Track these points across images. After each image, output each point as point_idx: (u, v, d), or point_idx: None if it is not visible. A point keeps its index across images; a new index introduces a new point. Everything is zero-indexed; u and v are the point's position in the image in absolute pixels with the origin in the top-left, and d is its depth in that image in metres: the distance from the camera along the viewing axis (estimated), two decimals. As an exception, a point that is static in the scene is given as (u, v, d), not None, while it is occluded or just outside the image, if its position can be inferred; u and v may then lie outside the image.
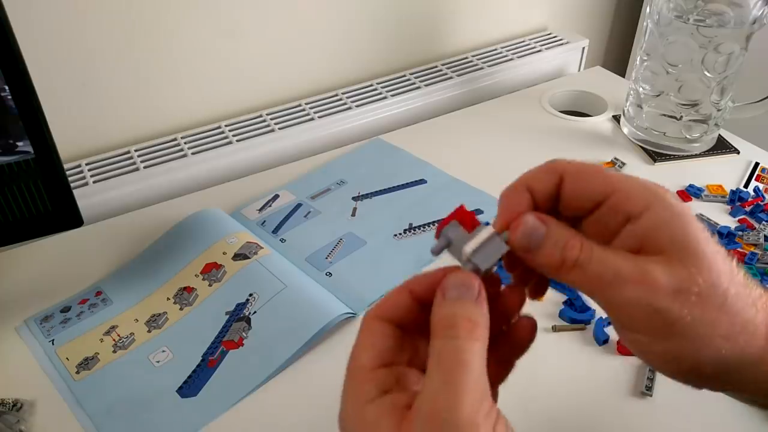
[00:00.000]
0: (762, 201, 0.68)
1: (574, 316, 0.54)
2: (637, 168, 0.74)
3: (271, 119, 0.81)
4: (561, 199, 0.30)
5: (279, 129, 0.79)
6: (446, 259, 0.34)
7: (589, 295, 0.29)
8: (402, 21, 0.89)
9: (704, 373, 0.28)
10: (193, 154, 0.75)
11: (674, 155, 0.76)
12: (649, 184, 0.29)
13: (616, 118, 0.83)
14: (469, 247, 0.29)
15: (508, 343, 0.31)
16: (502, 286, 0.32)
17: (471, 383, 0.25)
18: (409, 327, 0.30)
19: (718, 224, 0.65)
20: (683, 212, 0.28)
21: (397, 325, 0.30)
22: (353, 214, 0.68)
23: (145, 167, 0.73)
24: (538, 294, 0.33)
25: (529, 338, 0.32)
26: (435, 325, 0.27)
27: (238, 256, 0.60)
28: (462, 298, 0.28)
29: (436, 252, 0.31)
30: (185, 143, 0.77)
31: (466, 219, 0.30)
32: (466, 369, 0.25)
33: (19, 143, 0.50)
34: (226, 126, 0.80)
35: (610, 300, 0.28)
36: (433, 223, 0.66)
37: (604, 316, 0.54)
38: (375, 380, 0.28)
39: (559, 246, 0.29)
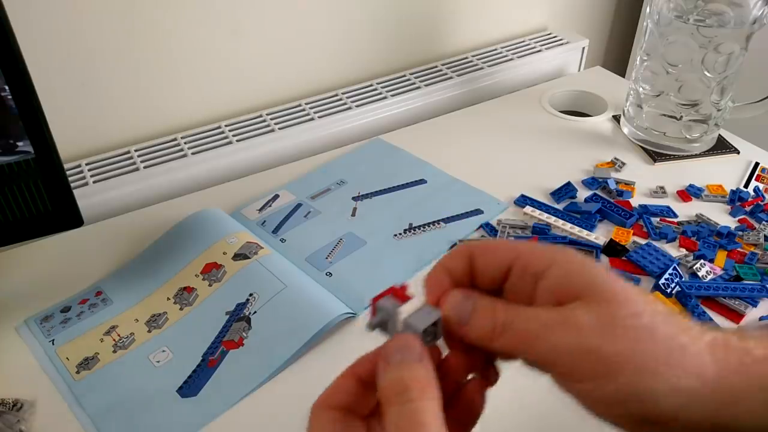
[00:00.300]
0: (762, 201, 0.68)
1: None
2: (638, 168, 0.74)
3: (271, 119, 0.81)
4: (475, 274, 0.32)
5: (279, 129, 0.79)
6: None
7: (526, 357, 0.29)
8: (402, 21, 0.89)
9: (665, 410, 0.27)
10: (193, 154, 0.75)
11: (674, 155, 0.76)
12: (550, 245, 0.31)
13: (616, 118, 0.83)
14: (405, 312, 0.30)
15: (459, 409, 0.31)
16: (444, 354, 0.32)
17: None
18: (359, 412, 0.30)
19: (718, 224, 0.65)
20: (586, 261, 0.29)
21: (346, 411, 0.29)
22: (353, 214, 0.68)
23: (145, 167, 0.73)
24: (490, 380, 0.32)
25: (480, 402, 0.31)
26: (384, 392, 0.27)
27: (238, 256, 0.60)
28: (405, 360, 0.27)
29: (373, 326, 0.31)
30: (185, 143, 0.77)
31: (399, 294, 0.31)
32: (426, 430, 0.25)
33: (19, 143, 0.50)
34: (226, 126, 0.80)
35: (543, 352, 0.28)
36: (433, 223, 0.66)
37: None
38: None
39: (487, 313, 0.29)
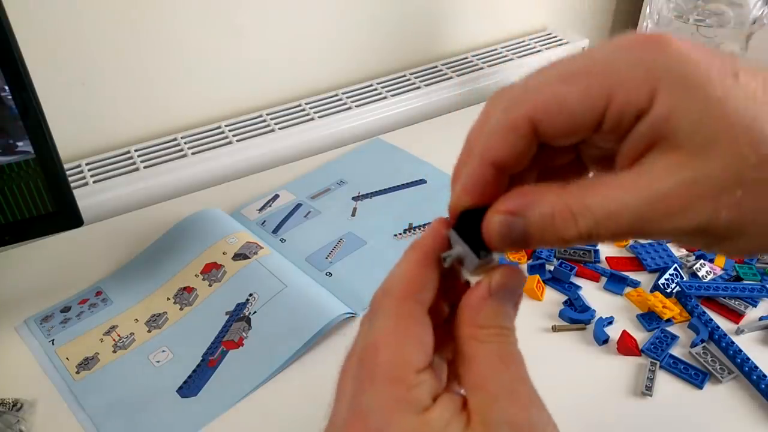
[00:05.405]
0: (762, 201, 0.68)
1: (574, 316, 0.54)
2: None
3: (271, 119, 0.81)
4: (544, 141, 0.24)
5: (279, 129, 0.79)
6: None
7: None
8: (402, 21, 0.89)
9: None
10: (193, 154, 0.75)
11: (674, 155, 0.76)
12: (646, 60, 0.22)
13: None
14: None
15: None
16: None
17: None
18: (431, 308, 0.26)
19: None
20: (696, 82, 0.21)
21: (427, 311, 0.26)
22: (353, 214, 0.68)
23: (145, 167, 0.73)
24: None
25: None
26: (483, 326, 0.25)
27: (238, 256, 0.60)
28: (507, 299, 0.26)
29: (452, 259, 0.27)
30: (185, 143, 0.77)
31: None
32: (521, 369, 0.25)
33: (19, 143, 0.50)
34: (226, 126, 0.80)
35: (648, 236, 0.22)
36: (433, 223, 0.66)
37: (605, 316, 0.54)
38: (426, 383, 0.24)
39: (548, 222, 0.23)
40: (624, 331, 0.53)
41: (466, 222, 0.26)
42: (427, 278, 0.26)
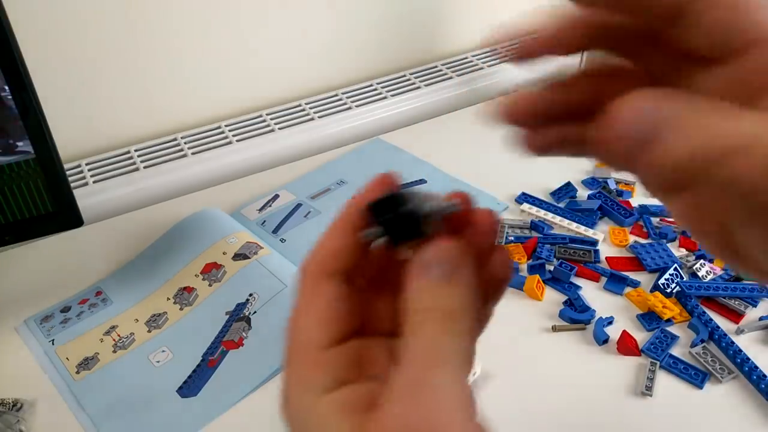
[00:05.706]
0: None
1: (574, 316, 0.54)
2: (637, 168, 0.74)
3: (271, 119, 0.81)
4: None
5: (279, 129, 0.79)
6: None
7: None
8: (402, 21, 0.89)
9: None
10: (193, 154, 0.75)
11: (674, 155, 0.76)
12: None
13: (616, 118, 0.83)
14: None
15: (481, 286, 0.23)
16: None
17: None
18: (359, 275, 0.24)
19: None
20: None
21: (347, 279, 0.24)
22: (353, 214, 0.68)
23: (145, 167, 0.73)
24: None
25: (503, 276, 0.25)
26: (418, 307, 0.22)
27: (238, 256, 0.60)
28: (438, 277, 0.22)
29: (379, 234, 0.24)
30: (185, 143, 0.77)
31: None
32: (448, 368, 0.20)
33: (19, 143, 0.50)
34: (226, 126, 0.80)
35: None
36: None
37: (605, 315, 0.54)
38: (328, 364, 0.22)
39: (678, 125, 0.18)
40: (624, 331, 0.53)
41: (387, 204, 0.23)
42: (343, 251, 0.24)
